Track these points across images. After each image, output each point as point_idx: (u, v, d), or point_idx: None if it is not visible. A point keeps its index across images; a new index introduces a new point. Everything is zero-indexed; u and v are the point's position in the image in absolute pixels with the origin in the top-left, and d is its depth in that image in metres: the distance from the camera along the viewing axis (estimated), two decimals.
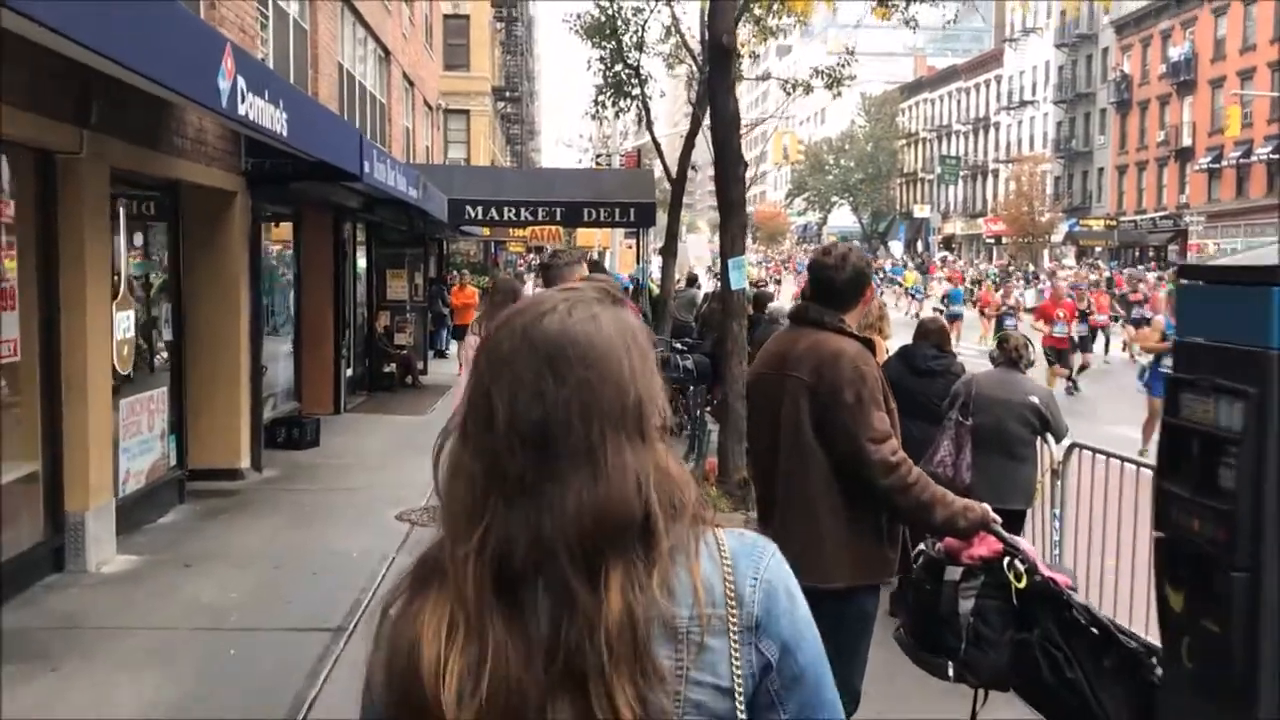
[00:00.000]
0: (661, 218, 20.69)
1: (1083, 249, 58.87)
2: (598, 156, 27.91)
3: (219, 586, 6.81)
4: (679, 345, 14.78)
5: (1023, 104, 69.86)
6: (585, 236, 33.59)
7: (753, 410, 3.80)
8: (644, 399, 1.25)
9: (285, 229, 13.14)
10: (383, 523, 8.43)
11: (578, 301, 1.29)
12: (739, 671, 1.23)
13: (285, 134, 7.65)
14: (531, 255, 49.12)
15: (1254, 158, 48.23)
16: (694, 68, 16.55)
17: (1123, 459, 5.84)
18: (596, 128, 28.01)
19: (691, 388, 13.45)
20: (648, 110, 17.25)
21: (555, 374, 1.22)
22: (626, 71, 17.04)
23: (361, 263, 17.21)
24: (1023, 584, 3.30)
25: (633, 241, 23.97)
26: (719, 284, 9.18)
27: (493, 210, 18.50)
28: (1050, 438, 6.34)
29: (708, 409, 13.42)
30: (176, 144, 8.84)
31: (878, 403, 3.41)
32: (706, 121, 17.37)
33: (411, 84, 22.89)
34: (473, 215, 18.44)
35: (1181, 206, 53.62)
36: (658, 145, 16.84)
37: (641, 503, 1.21)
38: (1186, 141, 53.71)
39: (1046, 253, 54.96)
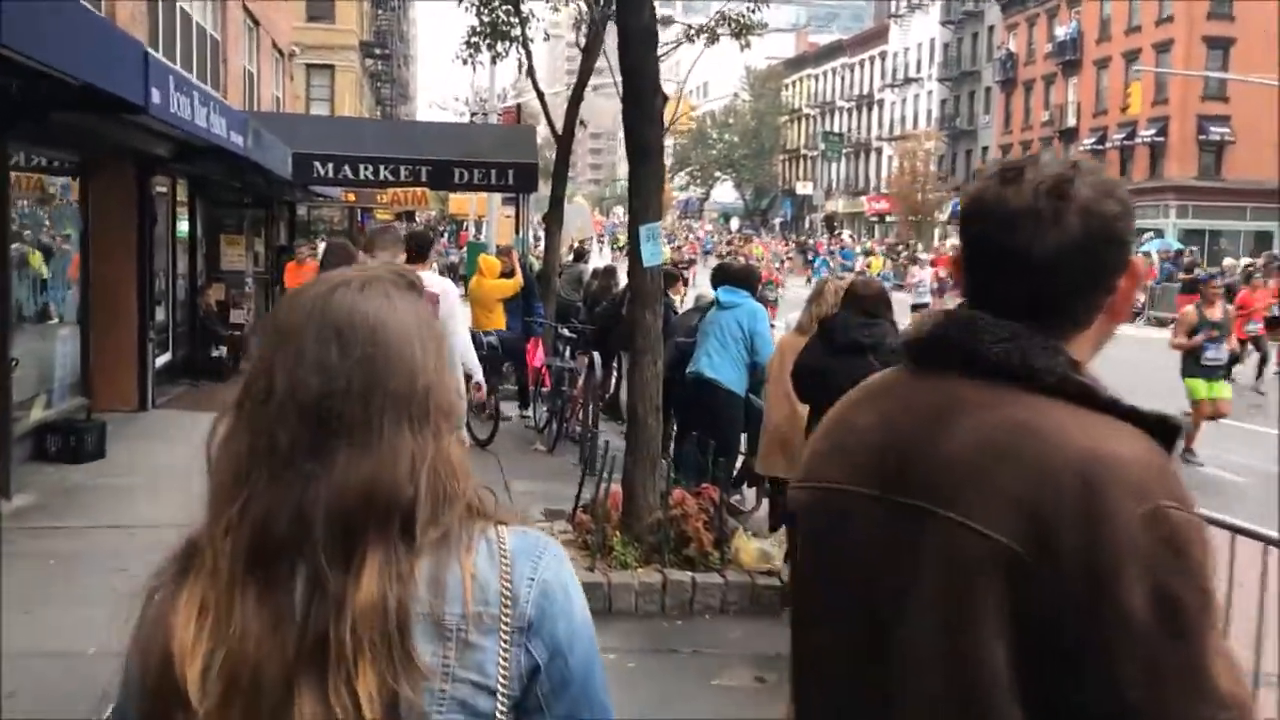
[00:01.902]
0: (543, 188, 18.36)
1: None
2: (473, 114, 25.23)
3: None
4: (565, 331, 12.51)
5: (907, 81, 69.30)
6: (459, 203, 30.71)
7: (805, 584, 1.53)
8: (433, 388, 1.22)
9: (66, 182, 10.36)
10: None
11: (371, 280, 1.25)
12: (505, 673, 1.19)
13: None
14: (401, 223, 46.03)
15: (1138, 139, 48.23)
16: (581, 6, 14.20)
17: None
18: (471, 78, 25.32)
19: (579, 380, 11.22)
20: (529, 55, 14.83)
21: (341, 347, 1.19)
22: (505, 8, 14.58)
23: (184, 226, 14.41)
24: None
25: (512, 210, 21.42)
26: (628, 260, 6.93)
27: (346, 168, 15.86)
28: None
29: (599, 404, 11.23)
30: None
31: (1214, 623, 1.20)
32: (595, 78, 15.23)
33: (256, 22, 19.97)
34: (322, 173, 15.76)
35: None
36: (541, 95, 14.44)
37: (413, 487, 1.17)
38: (1071, 122, 53.66)
39: (937, 231, 54.18)
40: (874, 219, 69.92)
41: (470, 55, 15.43)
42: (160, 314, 13.23)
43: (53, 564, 6.42)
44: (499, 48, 14.98)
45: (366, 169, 16.04)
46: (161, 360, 13.23)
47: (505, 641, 1.19)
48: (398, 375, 1.20)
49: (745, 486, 8.35)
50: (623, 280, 15.51)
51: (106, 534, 7.13)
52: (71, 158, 10.06)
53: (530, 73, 14.94)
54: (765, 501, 8.39)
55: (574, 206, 19.66)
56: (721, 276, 9.20)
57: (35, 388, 9.34)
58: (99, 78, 7.13)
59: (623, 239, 64.79)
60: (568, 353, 11.99)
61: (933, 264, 33.95)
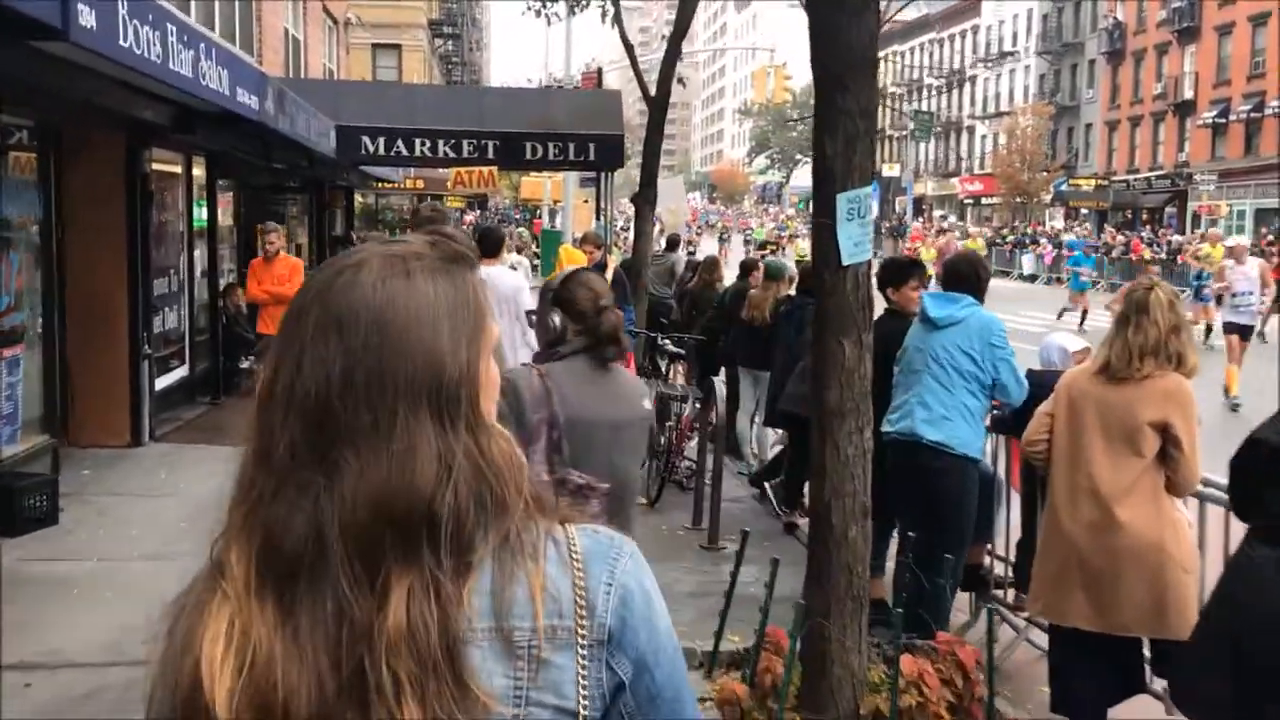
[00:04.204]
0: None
1: (1070, 210, 54.61)
2: (547, 87, 22.61)
3: None
4: (664, 339, 9.82)
5: (1002, 56, 65.43)
6: (531, 187, 28.04)
7: None
8: (465, 378, 1.07)
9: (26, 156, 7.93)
10: None
11: (392, 257, 1.09)
12: (585, 692, 1.06)
13: None
14: (474, 214, 43.46)
15: (1267, 110, 44.04)
16: None
17: None
18: (544, 54, 22.66)
19: (686, 407, 8.55)
20: (616, 2, 12.15)
21: (342, 338, 1.04)
22: None
23: (203, 214, 12.00)
24: None
25: (590, 193, 18.73)
26: (811, 254, 4.16)
27: (400, 143, 13.37)
28: None
29: (717, 440, 8.54)
30: None
31: None
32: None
33: None
34: (371, 149, 13.30)
35: (1180, 165, 49.51)
36: (629, 47, 11.72)
37: (442, 494, 1.02)
38: (1188, 94, 49.54)
39: (1048, 213, 50.40)
40: (968, 201, 66.24)
41: (543, 5, 12.80)
42: (171, 320, 10.86)
43: None
44: None
45: (424, 144, 13.55)
46: (173, 377, 10.88)
47: (584, 657, 1.06)
48: (413, 365, 1.04)
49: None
50: (729, 275, 12.85)
51: None
52: (22, 121, 7.64)
53: (617, 19, 12.24)
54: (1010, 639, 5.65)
55: (666, 183, 16.85)
56: (889, 272, 6.34)
57: None
58: None
59: (745, 230, 60.21)
60: (666, 368, 9.32)
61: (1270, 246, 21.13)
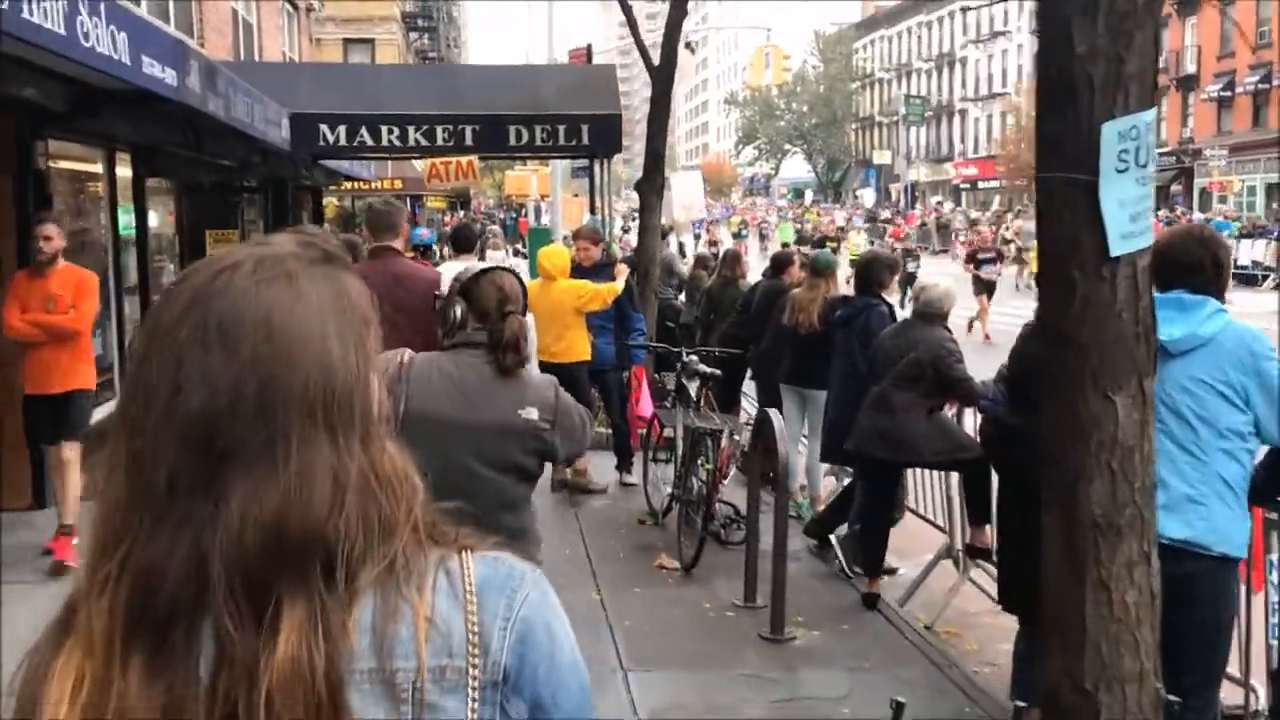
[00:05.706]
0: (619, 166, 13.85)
1: None
2: (531, 66, 20.82)
3: None
4: (689, 354, 8.01)
5: (994, 35, 63.90)
6: (517, 182, 26.14)
7: None
8: (356, 385, 0.97)
9: None
10: None
11: (267, 258, 0.98)
12: None
13: None
14: (457, 215, 41.60)
15: (1275, 81, 42.53)
16: None
17: None
18: (525, 22, 20.87)
19: (724, 438, 6.77)
20: None
21: (227, 349, 0.93)
22: None
23: (131, 220, 10.21)
24: None
25: (581, 185, 16.97)
26: (1037, 240, 2.41)
27: (364, 130, 11.60)
28: None
29: (756, 478, 6.78)
30: None
31: None
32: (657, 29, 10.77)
33: None
34: (330, 139, 11.52)
35: (1184, 141, 48.10)
36: (628, 9, 9.93)
37: (336, 516, 0.92)
38: (1190, 69, 48.10)
39: None
40: (963, 186, 64.71)
41: None
42: (95, 346, 9.06)
43: None
44: None
45: (391, 132, 11.79)
46: (98, 415, 9.08)
47: (475, 699, 0.96)
48: (305, 375, 0.93)
49: None
50: (751, 272, 11.14)
51: None
52: None
53: None
54: None
55: (681, 175, 15.08)
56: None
57: None
58: None
59: (760, 225, 57.49)
60: (697, 393, 7.55)
61: None
